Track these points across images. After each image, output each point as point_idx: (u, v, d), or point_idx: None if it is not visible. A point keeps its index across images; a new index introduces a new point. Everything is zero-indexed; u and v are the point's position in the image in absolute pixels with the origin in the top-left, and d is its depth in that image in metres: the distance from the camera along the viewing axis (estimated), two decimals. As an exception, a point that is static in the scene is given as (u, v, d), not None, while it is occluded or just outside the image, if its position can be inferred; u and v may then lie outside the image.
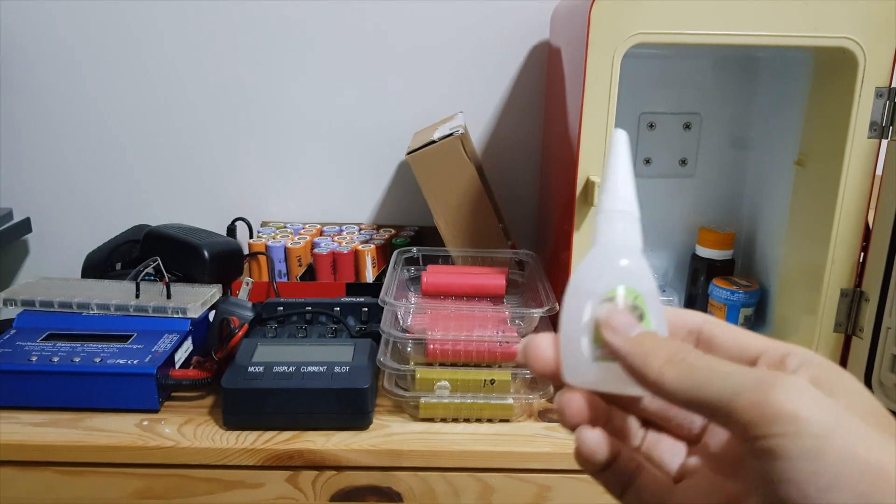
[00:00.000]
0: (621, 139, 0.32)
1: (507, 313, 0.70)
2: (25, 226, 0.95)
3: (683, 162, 0.81)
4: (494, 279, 0.74)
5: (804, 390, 0.23)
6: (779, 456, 0.23)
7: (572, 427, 0.30)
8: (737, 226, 0.82)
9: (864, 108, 0.61)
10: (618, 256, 0.30)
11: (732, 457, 0.29)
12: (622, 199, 0.31)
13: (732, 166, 0.81)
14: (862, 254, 0.65)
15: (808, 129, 0.69)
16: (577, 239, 0.63)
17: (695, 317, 0.31)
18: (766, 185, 0.77)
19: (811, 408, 0.23)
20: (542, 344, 0.31)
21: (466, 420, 0.66)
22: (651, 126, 0.80)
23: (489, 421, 0.66)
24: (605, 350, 0.29)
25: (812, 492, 0.22)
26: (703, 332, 0.30)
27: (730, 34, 0.60)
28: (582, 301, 0.30)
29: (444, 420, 0.66)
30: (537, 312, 0.66)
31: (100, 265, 0.86)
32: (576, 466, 0.60)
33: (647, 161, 0.81)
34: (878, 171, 0.63)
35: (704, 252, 0.79)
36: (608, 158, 0.32)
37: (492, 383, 0.65)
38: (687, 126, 0.80)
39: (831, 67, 0.64)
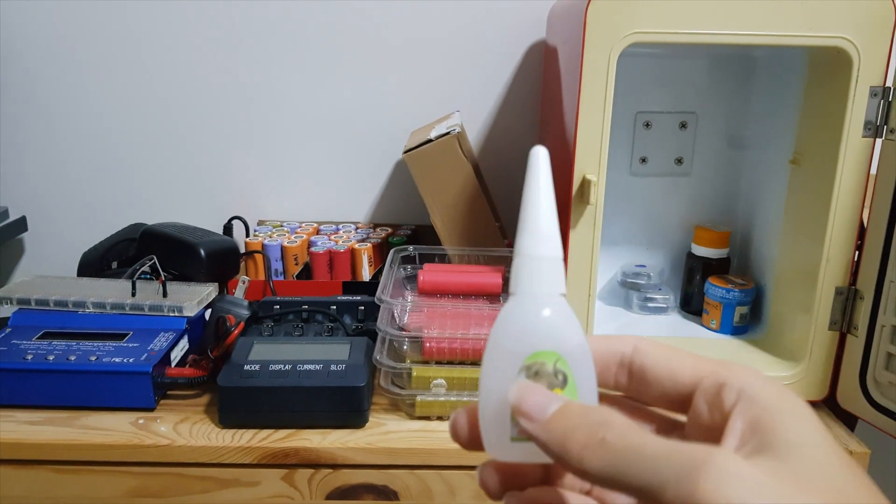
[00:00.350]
0: (542, 160, 0.29)
1: (503, 312, 0.70)
2: (21, 224, 0.95)
3: (679, 161, 0.81)
4: (491, 277, 0.74)
5: (732, 476, 0.22)
6: None
7: (494, 498, 0.29)
8: (732, 224, 0.82)
9: (858, 107, 0.61)
10: (538, 310, 0.28)
11: None
12: (544, 239, 0.29)
13: (728, 165, 0.81)
14: (857, 252, 0.65)
15: (804, 127, 0.69)
16: (574, 238, 0.63)
17: (625, 345, 0.29)
18: (761, 183, 0.78)
19: (738, 496, 0.21)
20: (460, 420, 0.30)
21: (462, 418, 0.66)
22: (647, 125, 0.80)
23: (485, 419, 0.66)
24: (523, 432, 0.27)
25: None
26: (634, 363, 0.29)
27: (726, 34, 0.60)
28: (500, 366, 0.28)
29: (440, 418, 0.66)
30: (533, 311, 0.66)
31: (96, 264, 0.85)
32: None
33: (643, 160, 0.81)
34: (873, 170, 0.63)
35: (700, 251, 0.79)
36: (527, 186, 0.29)
37: (488, 381, 0.65)
38: (683, 125, 0.80)
39: (826, 67, 0.64)
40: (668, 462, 0.23)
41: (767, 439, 0.24)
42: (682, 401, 0.28)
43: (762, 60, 0.78)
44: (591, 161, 0.62)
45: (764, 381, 0.26)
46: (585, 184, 0.61)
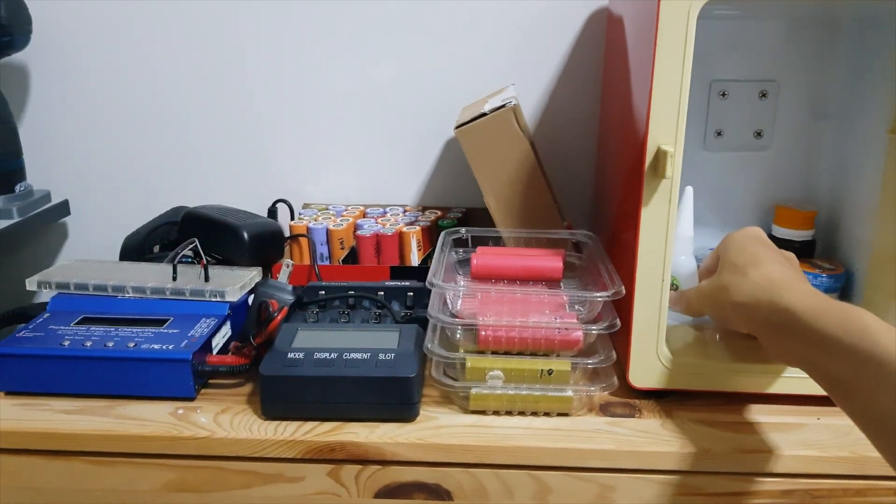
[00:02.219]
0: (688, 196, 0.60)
1: (565, 298, 0.64)
2: (64, 208, 0.93)
3: (758, 134, 0.74)
4: (551, 261, 0.69)
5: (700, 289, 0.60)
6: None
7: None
8: (816, 203, 0.74)
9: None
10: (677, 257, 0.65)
11: None
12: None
13: (812, 138, 0.74)
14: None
15: (906, 92, 0.62)
16: (646, 216, 0.57)
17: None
18: (851, 157, 0.70)
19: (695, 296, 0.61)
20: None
21: (521, 413, 0.61)
22: (723, 95, 0.73)
23: (546, 415, 0.61)
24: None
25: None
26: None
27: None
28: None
29: (496, 413, 0.61)
30: (601, 296, 0.60)
31: (138, 248, 0.83)
32: (642, 465, 0.55)
33: (719, 133, 0.74)
34: None
35: (782, 232, 0.72)
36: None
37: (549, 373, 0.60)
38: (763, 94, 0.73)
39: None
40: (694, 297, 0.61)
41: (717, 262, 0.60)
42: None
43: (849, 21, 0.70)
44: (667, 131, 0.55)
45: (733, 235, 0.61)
46: (661, 155, 0.55)
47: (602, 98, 0.88)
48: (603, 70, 0.88)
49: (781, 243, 0.71)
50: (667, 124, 0.55)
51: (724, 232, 0.77)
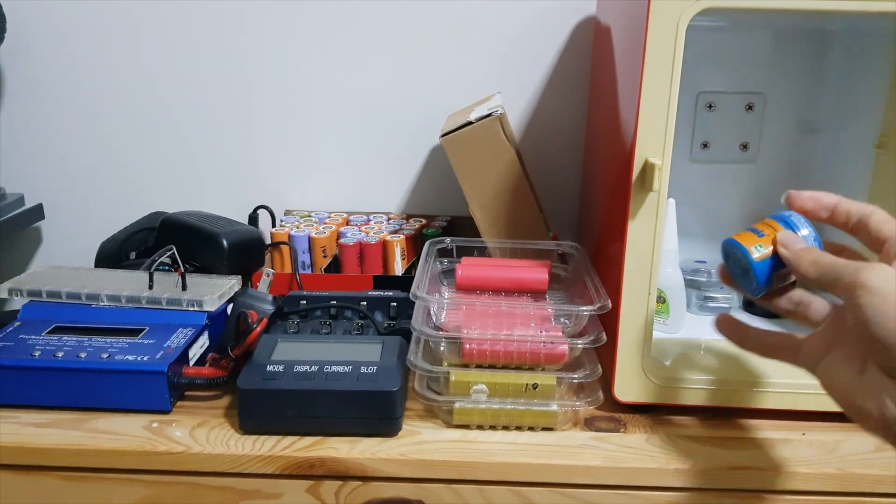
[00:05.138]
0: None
1: (550, 310, 0.63)
2: (38, 212, 0.91)
3: (745, 146, 0.74)
4: (536, 273, 0.68)
5: (880, 272, 0.40)
6: (858, 306, 0.40)
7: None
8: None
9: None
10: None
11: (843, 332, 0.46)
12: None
13: (799, 151, 0.74)
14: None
15: (893, 108, 0.62)
16: (633, 228, 0.56)
17: (868, 209, 0.46)
18: (838, 171, 0.70)
19: (877, 281, 0.40)
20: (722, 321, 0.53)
21: (505, 428, 0.60)
22: (710, 107, 0.73)
23: (530, 429, 0.60)
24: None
25: (872, 327, 0.40)
26: (870, 220, 0.46)
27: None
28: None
29: (480, 427, 0.60)
30: (587, 310, 0.59)
31: (114, 254, 0.81)
32: (627, 482, 0.54)
33: (705, 145, 0.74)
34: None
35: (767, 245, 0.72)
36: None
37: (534, 388, 0.59)
38: (749, 107, 0.73)
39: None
40: (845, 267, 0.42)
41: None
42: (877, 246, 0.45)
43: (838, 34, 0.70)
44: (654, 143, 0.55)
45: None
46: (648, 168, 0.54)
47: (589, 107, 0.87)
48: (590, 79, 0.87)
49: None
50: (654, 137, 0.55)
51: (709, 244, 0.78)
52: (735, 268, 0.51)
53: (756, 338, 0.51)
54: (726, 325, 0.52)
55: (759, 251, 0.48)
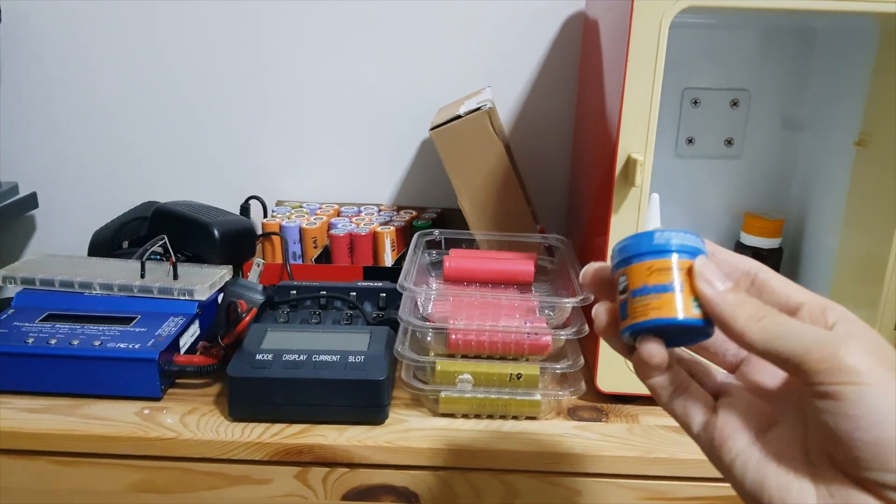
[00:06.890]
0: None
1: (535, 302, 0.64)
2: (32, 201, 0.92)
3: (729, 142, 0.75)
4: (522, 265, 0.69)
5: (864, 351, 0.29)
6: (840, 397, 0.29)
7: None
8: (786, 212, 0.75)
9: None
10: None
11: (770, 387, 0.36)
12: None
13: (783, 147, 0.75)
14: (930, 244, 0.59)
15: (872, 106, 0.63)
16: (615, 223, 0.58)
17: (751, 263, 0.36)
18: (820, 167, 0.71)
19: (866, 364, 0.29)
20: (600, 310, 0.38)
21: (490, 417, 0.61)
22: (695, 103, 0.74)
23: (514, 418, 0.61)
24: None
25: (862, 424, 0.28)
26: (758, 278, 0.35)
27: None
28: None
29: (465, 416, 0.61)
30: (569, 302, 0.60)
31: (107, 243, 0.82)
32: (608, 470, 0.56)
33: (690, 141, 0.75)
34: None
35: (750, 240, 0.73)
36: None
37: (518, 378, 0.60)
38: (734, 103, 0.74)
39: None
40: (815, 336, 0.30)
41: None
42: (790, 312, 0.33)
43: (823, 32, 0.71)
44: (637, 138, 0.56)
45: (856, 317, 0.32)
46: (630, 164, 0.56)
47: (577, 102, 0.88)
48: (579, 74, 0.88)
49: (749, 251, 0.73)
50: (638, 133, 0.56)
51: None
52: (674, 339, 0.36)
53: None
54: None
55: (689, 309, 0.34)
